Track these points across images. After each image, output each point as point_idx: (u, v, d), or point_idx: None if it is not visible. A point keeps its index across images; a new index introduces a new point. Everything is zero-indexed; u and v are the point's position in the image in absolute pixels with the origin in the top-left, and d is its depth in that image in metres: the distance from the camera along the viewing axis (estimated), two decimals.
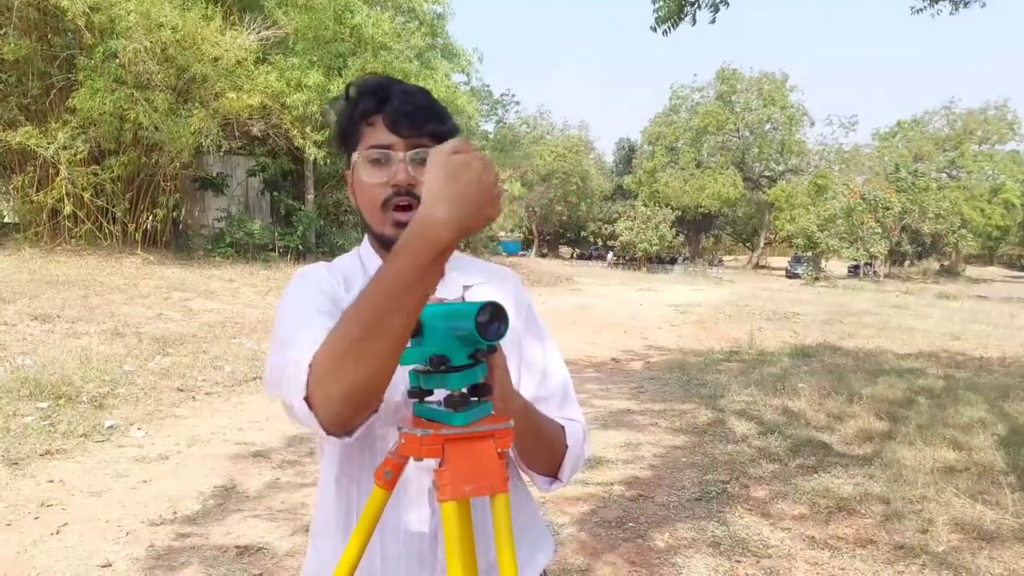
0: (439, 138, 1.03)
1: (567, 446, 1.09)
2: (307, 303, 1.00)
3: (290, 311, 1.00)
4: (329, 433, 0.86)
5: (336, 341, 0.82)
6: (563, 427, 1.10)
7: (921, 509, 3.92)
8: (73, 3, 11.90)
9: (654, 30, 6.82)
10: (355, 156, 1.05)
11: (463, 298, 1.09)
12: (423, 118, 1.03)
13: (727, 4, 6.70)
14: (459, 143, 0.80)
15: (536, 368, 1.15)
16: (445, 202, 0.76)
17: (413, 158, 1.02)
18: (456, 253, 1.18)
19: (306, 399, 0.84)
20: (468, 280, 1.14)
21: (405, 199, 1.02)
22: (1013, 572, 3.26)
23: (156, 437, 4.95)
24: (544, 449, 1.07)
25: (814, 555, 3.43)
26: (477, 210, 0.77)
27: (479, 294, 1.10)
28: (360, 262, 1.13)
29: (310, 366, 0.84)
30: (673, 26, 6.75)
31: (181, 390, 6.09)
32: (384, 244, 1.08)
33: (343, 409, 0.84)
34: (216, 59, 13.74)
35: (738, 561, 3.35)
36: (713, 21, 6.86)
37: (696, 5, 6.70)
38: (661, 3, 6.67)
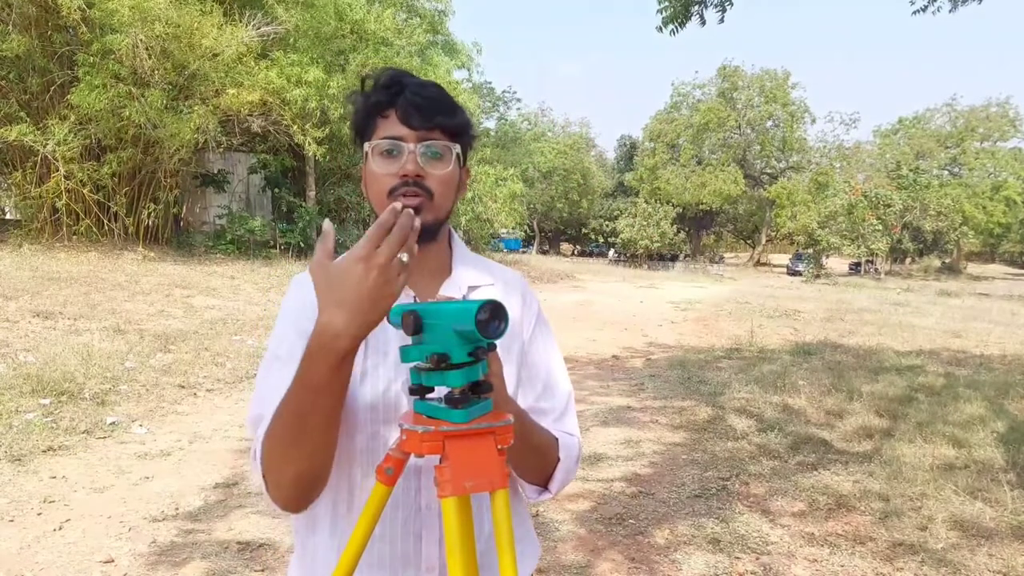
0: (448, 131, 1.05)
1: (559, 458, 1.09)
2: (292, 332, 1.03)
3: (276, 340, 1.06)
4: (285, 510, 0.97)
5: (270, 440, 0.93)
6: (557, 439, 1.09)
7: (920, 506, 3.93)
8: None
9: (660, 31, 6.80)
10: (367, 147, 1.06)
11: (467, 298, 1.10)
12: (433, 110, 1.03)
13: (731, 3, 6.68)
14: (323, 250, 0.83)
15: (539, 379, 1.14)
16: (335, 312, 0.82)
17: (424, 151, 1.03)
18: (465, 250, 1.18)
19: (264, 476, 0.96)
20: (475, 280, 1.14)
21: (413, 189, 1.03)
22: (1012, 569, 3.26)
23: (158, 433, 4.97)
24: (534, 458, 1.06)
25: (813, 552, 3.44)
26: (369, 312, 0.82)
27: (486, 296, 1.10)
28: None
29: (262, 442, 0.95)
30: (680, 26, 6.72)
31: (183, 387, 6.11)
32: None
33: (290, 495, 0.96)
34: (215, 55, 13.73)
35: (737, 558, 3.36)
36: (721, 21, 6.83)
37: (703, 4, 6.67)
38: (667, 3, 6.65)
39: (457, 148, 1.06)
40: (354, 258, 0.80)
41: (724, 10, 6.72)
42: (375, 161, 1.05)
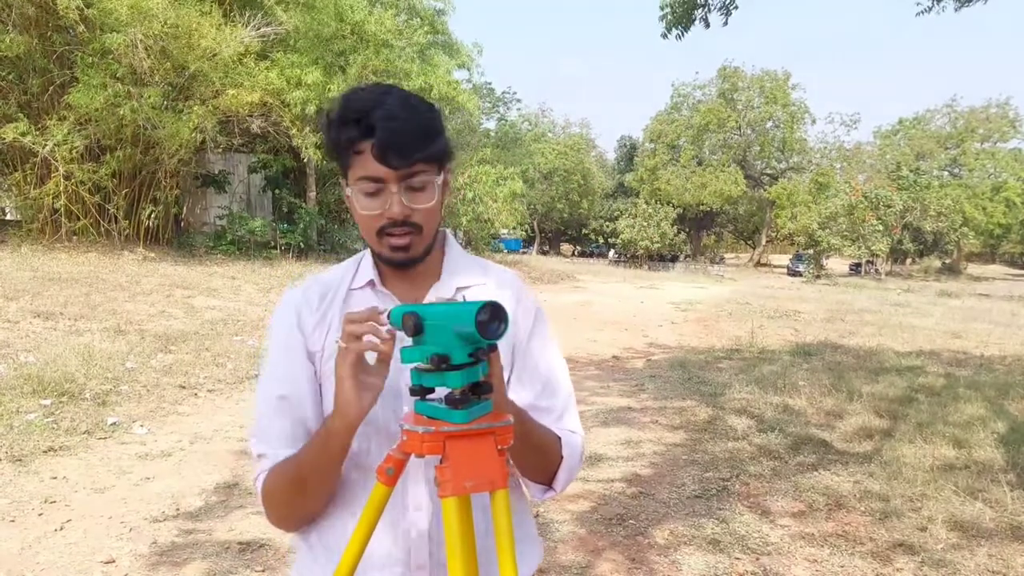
0: (429, 162, 1.02)
1: (563, 456, 1.09)
2: (282, 353, 1.10)
3: (269, 367, 1.12)
4: (282, 531, 1.14)
5: (272, 489, 1.05)
6: (560, 437, 1.09)
7: (920, 507, 3.94)
8: None
9: (665, 37, 6.85)
10: (348, 190, 1.04)
11: (463, 298, 1.10)
12: (410, 147, 0.99)
13: (736, 7, 6.69)
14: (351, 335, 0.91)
15: (539, 378, 1.13)
16: (335, 413, 0.95)
17: (407, 189, 1.01)
18: (459, 252, 1.18)
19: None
20: (466, 281, 1.13)
21: (401, 229, 1.02)
22: (1011, 570, 3.27)
23: (159, 434, 4.97)
24: (537, 457, 1.06)
25: (813, 552, 3.44)
26: (352, 416, 0.93)
27: (477, 296, 1.10)
28: (355, 271, 1.13)
29: (264, 483, 1.07)
30: (685, 30, 6.75)
31: (183, 387, 6.11)
32: (385, 262, 1.09)
33: (287, 526, 1.11)
34: (214, 55, 13.72)
35: (737, 558, 3.36)
36: (725, 23, 6.86)
37: (706, 8, 6.69)
38: (668, 11, 6.68)
39: (439, 179, 1.04)
40: (344, 356, 0.92)
41: (729, 13, 6.74)
42: (359, 201, 1.02)
